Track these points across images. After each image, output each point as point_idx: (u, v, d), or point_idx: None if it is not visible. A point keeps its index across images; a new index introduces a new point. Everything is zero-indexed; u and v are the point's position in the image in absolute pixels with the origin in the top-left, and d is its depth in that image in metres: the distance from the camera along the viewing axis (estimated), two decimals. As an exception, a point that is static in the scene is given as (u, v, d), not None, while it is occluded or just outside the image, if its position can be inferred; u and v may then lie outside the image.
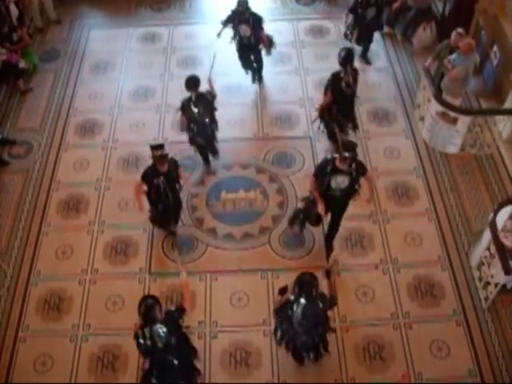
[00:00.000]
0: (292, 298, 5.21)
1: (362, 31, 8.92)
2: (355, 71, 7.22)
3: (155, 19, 10.48)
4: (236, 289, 6.57)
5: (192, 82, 6.98)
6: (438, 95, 7.72)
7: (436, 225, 7.14)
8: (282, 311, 5.31)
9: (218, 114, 7.41)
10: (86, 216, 7.37)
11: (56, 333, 6.29)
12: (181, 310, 5.19)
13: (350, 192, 6.25)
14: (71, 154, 8.15)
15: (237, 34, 8.37)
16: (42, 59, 9.61)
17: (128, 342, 6.12)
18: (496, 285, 6.09)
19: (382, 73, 9.21)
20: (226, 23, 8.35)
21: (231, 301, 6.46)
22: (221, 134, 8.22)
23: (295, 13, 10.48)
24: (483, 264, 6.35)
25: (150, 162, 7.95)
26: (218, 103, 7.37)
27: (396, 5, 9.73)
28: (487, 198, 7.41)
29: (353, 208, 6.98)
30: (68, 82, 9.27)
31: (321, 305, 5.17)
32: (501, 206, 6.44)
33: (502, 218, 6.31)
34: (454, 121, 7.61)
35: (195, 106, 7.07)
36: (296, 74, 9.17)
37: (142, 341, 4.93)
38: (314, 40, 9.87)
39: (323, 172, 6.12)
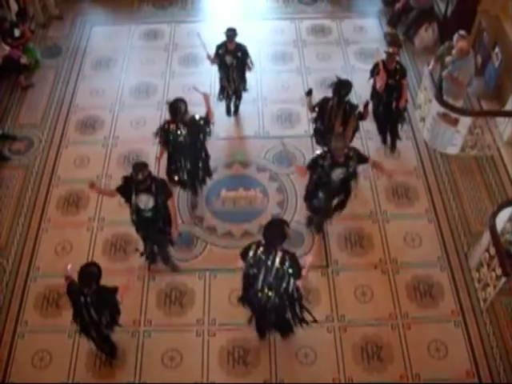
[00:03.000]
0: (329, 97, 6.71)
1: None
2: None
3: (157, 16, 10.49)
4: (235, 287, 6.51)
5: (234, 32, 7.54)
6: (439, 96, 7.71)
7: (435, 225, 7.14)
8: (321, 104, 6.80)
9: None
10: (86, 212, 7.36)
11: (54, 329, 6.29)
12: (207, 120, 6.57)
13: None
14: (72, 151, 8.14)
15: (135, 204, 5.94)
16: (43, 55, 9.60)
17: (126, 339, 6.14)
18: (495, 286, 6.10)
19: (383, 73, 9.20)
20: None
21: (230, 299, 6.44)
22: (222, 132, 8.22)
23: (297, 12, 10.48)
24: (482, 265, 6.35)
25: (150, 159, 8.02)
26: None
27: (398, 5, 9.77)
28: (487, 199, 7.41)
29: (353, 208, 7.01)
30: (69, 79, 9.26)
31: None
32: (500, 207, 6.43)
33: (501, 219, 6.31)
34: (455, 122, 7.60)
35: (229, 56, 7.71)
36: (297, 73, 9.15)
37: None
38: (315, 39, 9.86)
39: None
